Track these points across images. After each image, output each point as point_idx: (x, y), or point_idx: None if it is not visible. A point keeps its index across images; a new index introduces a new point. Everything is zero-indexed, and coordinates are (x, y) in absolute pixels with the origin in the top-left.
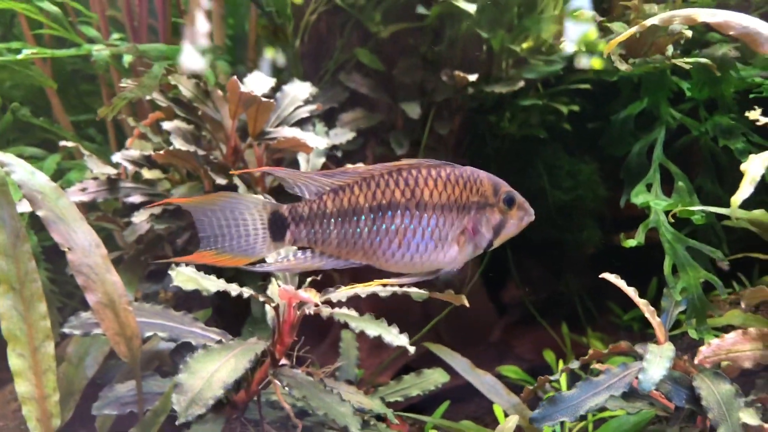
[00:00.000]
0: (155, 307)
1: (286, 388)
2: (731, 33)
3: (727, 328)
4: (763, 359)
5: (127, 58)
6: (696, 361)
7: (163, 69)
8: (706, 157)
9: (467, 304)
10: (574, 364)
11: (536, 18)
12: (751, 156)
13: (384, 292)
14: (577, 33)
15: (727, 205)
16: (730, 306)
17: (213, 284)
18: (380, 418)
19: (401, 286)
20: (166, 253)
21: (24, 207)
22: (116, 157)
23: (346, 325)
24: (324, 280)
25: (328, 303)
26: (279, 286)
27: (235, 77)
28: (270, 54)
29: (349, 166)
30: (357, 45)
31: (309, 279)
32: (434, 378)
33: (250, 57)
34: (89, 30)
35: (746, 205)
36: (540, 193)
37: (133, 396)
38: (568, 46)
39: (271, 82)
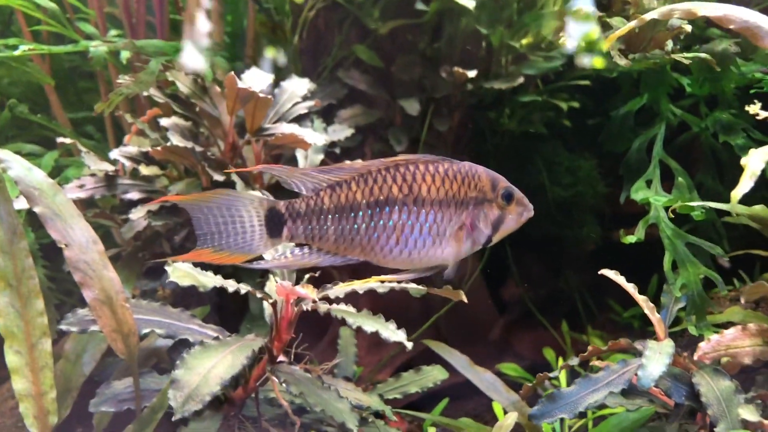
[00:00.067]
0: (152, 303)
1: (284, 385)
2: (731, 27)
3: (727, 325)
4: (762, 355)
5: (125, 55)
6: (695, 357)
7: (160, 65)
8: (706, 154)
9: (465, 300)
10: (574, 361)
11: (536, 14)
12: (751, 150)
13: (382, 288)
14: (578, 30)
15: (728, 201)
16: (730, 303)
17: (210, 280)
18: (379, 415)
19: (399, 282)
20: (164, 250)
21: (21, 204)
22: (114, 154)
23: (344, 322)
24: (322, 277)
25: (326, 299)
26: (277, 282)
27: (232, 73)
28: (268, 51)
29: (346, 162)
30: (355, 41)
31: (307, 275)
32: (433, 375)
33: (249, 54)
34: (87, 27)
35: (747, 201)
36: (539, 189)
37: (131, 393)
38: (567, 42)
39: (269, 78)
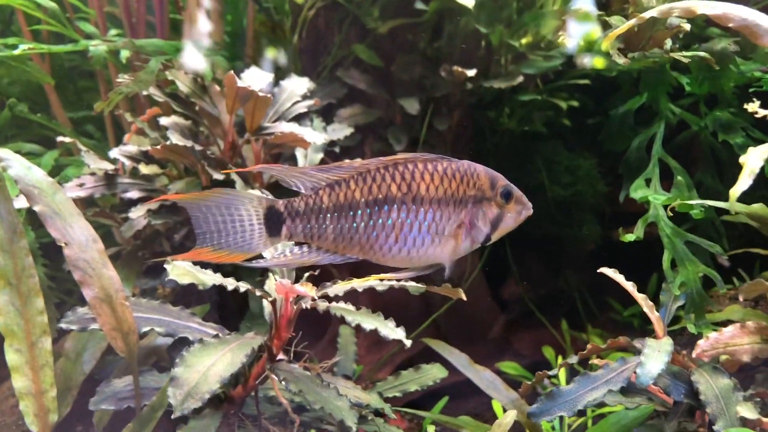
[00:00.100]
0: (152, 302)
1: (283, 383)
2: (730, 25)
3: (727, 324)
4: (761, 353)
5: (125, 54)
6: (694, 355)
7: (160, 64)
8: (705, 152)
9: (464, 298)
10: (573, 359)
11: (535, 13)
12: (750, 148)
13: (381, 286)
14: (578, 29)
15: (727, 200)
16: (729, 301)
17: (210, 278)
18: (379, 413)
19: (398, 281)
20: (164, 249)
21: (21, 203)
22: (114, 153)
23: (343, 320)
24: (322, 276)
25: (325, 297)
26: (276, 280)
27: (231, 72)
28: (268, 50)
29: (345, 161)
30: (355, 41)
31: (306, 274)
32: (432, 373)
33: (248, 53)
34: (87, 26)
35: (747, 200)
36: (539, 188)
37: (131, 391)
38: (567, 41)
39: (269, 77)
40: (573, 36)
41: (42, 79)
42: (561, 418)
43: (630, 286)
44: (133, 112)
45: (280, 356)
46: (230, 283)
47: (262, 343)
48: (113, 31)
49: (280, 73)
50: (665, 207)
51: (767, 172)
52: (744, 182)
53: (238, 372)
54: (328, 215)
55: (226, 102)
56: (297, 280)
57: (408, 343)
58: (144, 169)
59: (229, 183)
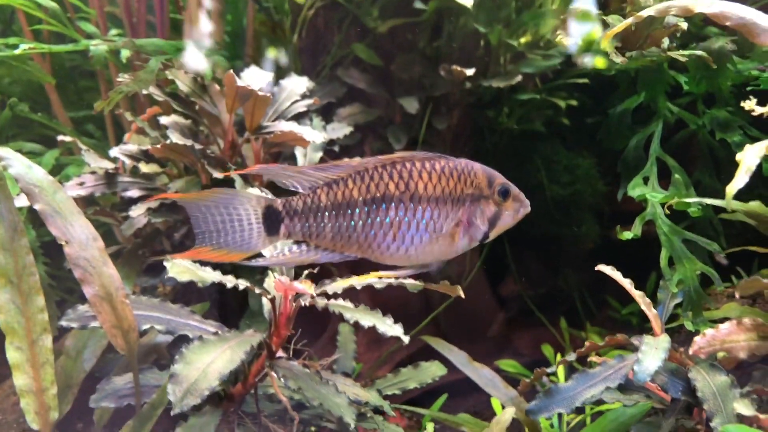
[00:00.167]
0: (152, 300)
1: (282, 380)
2: (728, 24)
3: (724, 321)
4: (757, 350)
5: (125, 53)
6: (690, 352)
7: (160, 64)
8: (703, 151)
9: (462, 295)
10: (571, 357)
11: (534, 13)
12: (747, 146)
13: (380, 284)
14: (577, 29)
15: (725, 198)
16: (727, 299)
17: (209, 275)
18: (378, 411)
19: (397, 278)
20: (164, 247)
21: (22, 201)
22: (114, 152)
23: (341, 317)
24: (321, 273)
25: (324, 295)
26: (275, 278)
27: (231, 71)
28: (268, 50)
29: (344, 159)
30: (355, 40)
31: (306, 272)
32: (432, 371)
33: (248, 53)
34: (88, 26)
35: (746, 198)
36: (538, 187)
37: (131, 389)
38: (565, 40)
39: (269, 76)
40: (572, 35)
41: (43, 78)
42: (559, 415)
43: (627, 284)
44: (133, 111)
45: (280, 354)
46: (229, 281)
47: (261, 340)
48: (114, 31)
49: (279, 73)
50: (663, 205)
51: (765, 171)
52: (740, 179)
53: (237, 369)
54: (326, 214)
55: (225, 101)
56: (296, 278)
57: (406, 339)
58: (144, 167)
59: (228, 182)
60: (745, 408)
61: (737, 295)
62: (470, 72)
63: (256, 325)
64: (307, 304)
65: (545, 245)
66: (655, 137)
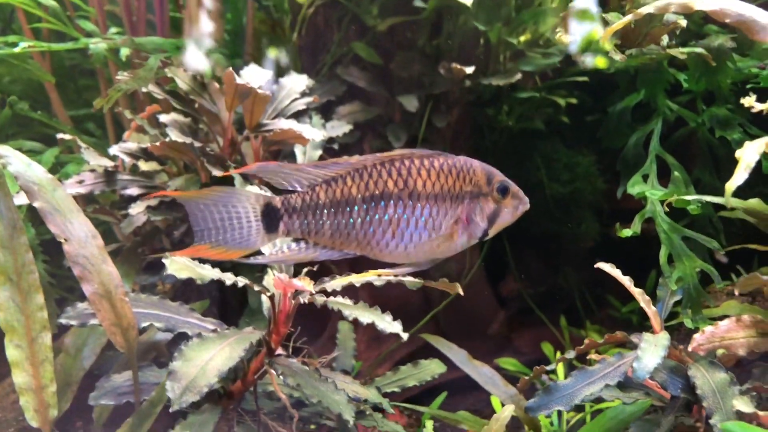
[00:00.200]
0: (151, 297)
1: (282, 378)
2: (727, 21)
3: (724, 318)
4: (756, 346)
5: (125, 52)
6: (690, 349)
7: (159, 62)
8: (703, 149)
9: (461, 293)
10: (570, 354)
11: (534, 11)
12: (746, 143)
13: (379, 281)
14: (577, 27)
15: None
16: (727, 297)
17: (208, 273)
18: (377, 409)
19: (396, 276)
20: (164, 245)
21: (21, 199)
22: (113, 150)
23: (340, 314)
24: (321, 271)
25: (323, 292)
26: (274, 276)
27: (231, 69)
28: (268, 48)
29: (343, 157)
30: (354, 38)
31: (305, 269)
32: (431, 368)
33: (248, 51)
34: (87, 24)
35: (745, 196)
36: (538, 185)
37: (130, 386)
38: (564, 39)
39: (268, 74)
40: (571, 33)
41: (42, 77)
42: (559, 413)
43: (627, 281)
44: (132, 109)
45: (279, 351)
46: (228, 278)
47: (260, 338)
48: (113, 29)
49: (279, 71)
50: (662, 202)
51: (765, 168)
52: (740, 176)
53: (236, 367)
54: (325, 211)
55: (225, 99)
56: (295, 276)
57: (405, 336)
58: (143, 165)
59: (228, 179)
60: (744, 405)
61: (736, 293)
62: (470, 70)
63: (255, 323)
64: (307, 301)
65: (545, 243)
66: (654, 135)
